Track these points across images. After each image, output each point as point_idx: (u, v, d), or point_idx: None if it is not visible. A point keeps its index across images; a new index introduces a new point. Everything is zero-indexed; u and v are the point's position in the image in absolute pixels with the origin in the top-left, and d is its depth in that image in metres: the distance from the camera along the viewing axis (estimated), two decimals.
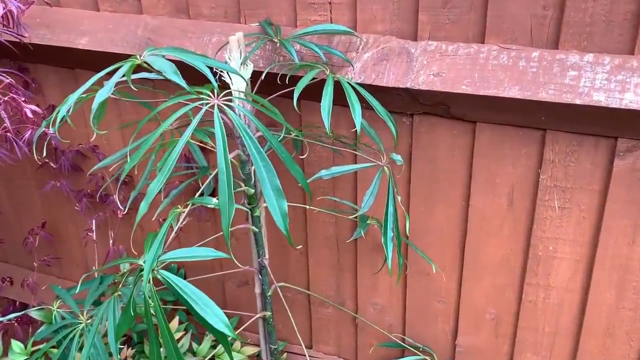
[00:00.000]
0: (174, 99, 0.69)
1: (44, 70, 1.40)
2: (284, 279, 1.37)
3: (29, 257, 1.70)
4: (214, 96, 0.68)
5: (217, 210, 1.37)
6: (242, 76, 0.73)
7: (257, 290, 1.19)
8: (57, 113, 0.77)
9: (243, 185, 1.00)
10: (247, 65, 0.85)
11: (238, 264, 1.04)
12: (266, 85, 1.02)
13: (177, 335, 1.29)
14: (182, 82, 0.64)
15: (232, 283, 1.46)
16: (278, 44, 0.99)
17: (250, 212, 1.05)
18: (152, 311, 0.78)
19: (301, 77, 0.88)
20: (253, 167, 0.98)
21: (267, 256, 1.14)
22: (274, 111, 0.70)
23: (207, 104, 0.67)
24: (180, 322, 1.35)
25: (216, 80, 0.70)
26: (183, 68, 0.74)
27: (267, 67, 0.98)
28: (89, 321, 1.16)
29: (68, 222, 1.61)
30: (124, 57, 1.18)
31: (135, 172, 1.42)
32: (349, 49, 1.04)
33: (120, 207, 1.43)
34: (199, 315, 0.76)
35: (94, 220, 1.47)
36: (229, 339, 1.11)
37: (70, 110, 0.80)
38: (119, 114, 1.36)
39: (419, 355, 1.28)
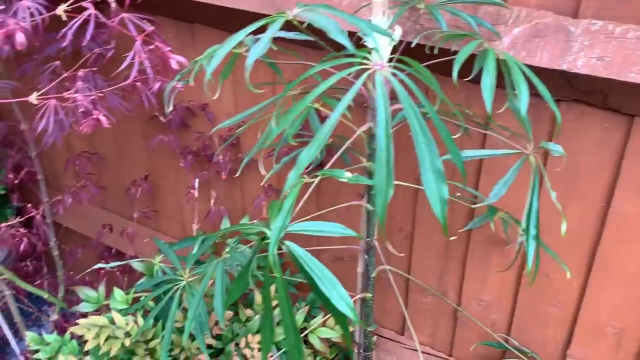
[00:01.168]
0: (329, 62, 0.64)
1: (162, 22, 1.39)
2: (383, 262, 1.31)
3: (128, 207, 1.73)
4: (371, 61, 0.62)
5: (322, 185, 1.32)
6: (395, 40, 0.67)
7: (360, 269, 1.14)
8: (195, 66, 0.73)
9: (365, 160, 0.94)
10: (394, 31, 0.78)
11: (358, 246, 0.99)
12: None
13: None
14: (349, 44, 0.58)
15: (326, 257, 1.42)
16: (422, 11, 0.91)
17: (367, 190, 0.99)
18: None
19: (447, 49, 0.80)
20: None
21: (376, 236, 1.08)
22: (433, 82, 0.62)
23: (365, 69, 0.61)
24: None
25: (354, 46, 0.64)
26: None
27: (416, 37, 0.90)
28: (190, 279, 1.15)
29: (168, 177, 1.62)
30: (246, 14, 1.14)
31: (242, 135, 1.39)
32: (496, 21, 0.94)
33: (225, 169, 1.41)
34: (321, 293, 0.72)
35: (197, 179, 1.47)
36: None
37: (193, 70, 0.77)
38: (234, 73, 1.33)
39: (523, 359, 1.19)
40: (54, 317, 1.60)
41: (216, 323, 1.22)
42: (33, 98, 0.82)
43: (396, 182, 0.93)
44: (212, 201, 1.48)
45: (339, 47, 0.72)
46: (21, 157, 1.49)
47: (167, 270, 1.25)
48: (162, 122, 1.45)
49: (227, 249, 1.02)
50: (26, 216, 1.26)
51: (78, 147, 1.73)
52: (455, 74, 0.66)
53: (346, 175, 0.73)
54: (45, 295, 1.49)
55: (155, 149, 1.58)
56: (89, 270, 1.36)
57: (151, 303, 1.28)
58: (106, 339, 1.11)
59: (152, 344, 1.17)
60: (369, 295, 1.15)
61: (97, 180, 1.66)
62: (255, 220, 1.41)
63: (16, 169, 1.49)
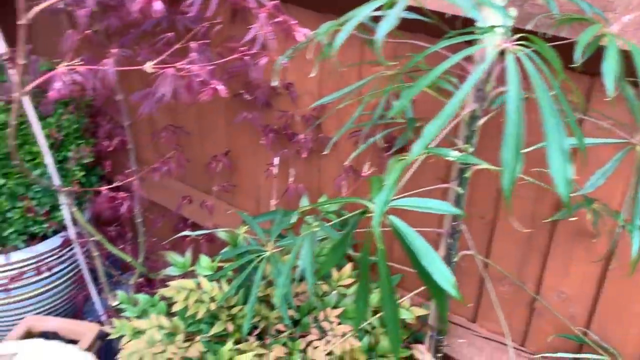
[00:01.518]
0: (453, 39, 0.65)
1: None
2: (460, 247, 1.32)
3: (206, 180, 1.80)
4: (496, 39, 0.62)
5: None
6: (512, 21, 0.67)
7: (441, 253, 1.15)
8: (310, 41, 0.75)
9: (461, 143, 0.95)
10: (509, 10, 0.78)
11: (442, 230, 1.00)
12: None
13: (347, 281, 1.29)
14: (480, 18, 0.59)
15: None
16: None
17: (460, 172, 0.99)
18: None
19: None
20: (478, 124, 0.92)
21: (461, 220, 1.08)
22: (556, 61, 0.62)
23: (492, 46, 0.61)
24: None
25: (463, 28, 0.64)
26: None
27: (530, 22, 0.89)
28: (274, 251, 1.19)
29: (246, 154, 1.67)
30: None
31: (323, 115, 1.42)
32: (605, 8, 0.92)
33: (306, 147, 1.44)
34: (423, 269, 0.73)
35: (277, 157, 1.51)
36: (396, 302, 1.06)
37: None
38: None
39: (602, 355, 1.18)
40: (133, 280, 1.68)
41: (295, 295, 1.26)
42: (148, 67, 0.87)
43: (484, 167, 0.93)
44: (291, 179, 1.51)
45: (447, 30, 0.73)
46: (111, 127, 1.56)
47: (251, 241, 1.29)
48: (246, 99, 1.50)
49: (316, 223, 1.05)
50: (119, 183, 1.33)
51: (160, 122, 1.80)
52: (578, 54, 0.65)
53: (453, 154, 0.74)
54: (129, 259, 1.57)
55: (236, 126, 1.63)
56: (176, 236, 1.43)
57: (229, 273, 1.33)
58: (193, 302, 1.17)
59: (233, 311, 1.22)
60: None
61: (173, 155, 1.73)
62: (317, 203, 1.43)
63: (106, 139, 1.57)
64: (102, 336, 1.67)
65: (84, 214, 1.78)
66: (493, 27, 0.64)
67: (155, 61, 0.87)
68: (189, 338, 1.15)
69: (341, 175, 1.38)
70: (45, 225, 1.72)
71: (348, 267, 1.30)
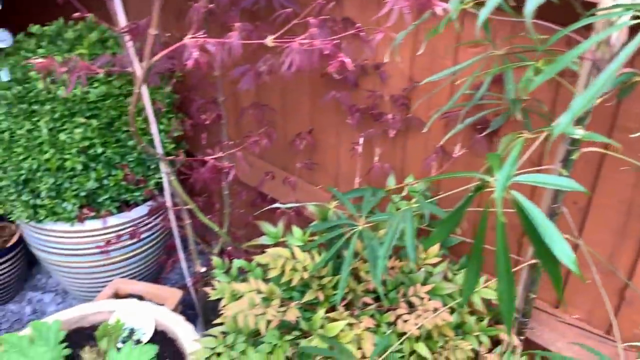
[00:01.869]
0: (585, 20, 0.65)
1: None
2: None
3: (285, 157, 1.85)
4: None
5: (496, 148, 1.34)
6: None
7: None
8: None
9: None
10: None
11: (549, 207, 1.01)
12: None
13: (433, 260, 1.31)
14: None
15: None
16: None
17: (567, 154, 1.00)
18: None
19: None
20: (593, 105, 0.91)
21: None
22: None
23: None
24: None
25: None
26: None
27: None
28: (366, 226, 1.23)
29: (328, 133, 1.71)
30: None
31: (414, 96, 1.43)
32: None
33: (394, 127, 1.47)
34: (543, 244, 0.75)
35: (362, 136, 1.54)
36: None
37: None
38: (415, 33, 1.37)
39: None
40: (216, 250, 1.76)
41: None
42: (269, 41, 0.91)
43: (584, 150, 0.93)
44: (376, 158, 1.54)
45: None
46: (203, 102, 1.63)
47: (341, 215, 1.33)
48: (333, 79, 1.53)
49: (415, 199, 1.08)
50: (221, 154, 1.39)
51: (243, 101, 1.86)
52: None
53: (579, 132, 0.75)
54: (216, 229, 1.64)
55: (319, 104, 1.67)
56: (267, 208, 1.48)
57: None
58: (289, 270, 1.22)
59: (323, 281, 1.27)
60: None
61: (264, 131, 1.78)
62: (419, 180, 1.45)
63: (200, 113, 1.63)
64: (182, 302, 1.76)
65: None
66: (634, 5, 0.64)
67: (274, 35, 0.92)
68: (283, 304, 1.20)
69: (431, 156, 1.40)
70: (136, 194, 1.81)
71: (436, 247, 1.32)
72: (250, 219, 1.72)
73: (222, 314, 1.21)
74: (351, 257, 1.18)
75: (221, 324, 1.24)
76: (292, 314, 1.15)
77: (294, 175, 1.83)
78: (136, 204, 1.86)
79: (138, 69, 1.27)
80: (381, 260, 1.02)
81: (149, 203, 1.89)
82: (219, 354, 1.15)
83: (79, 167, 1.63)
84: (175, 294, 1.77)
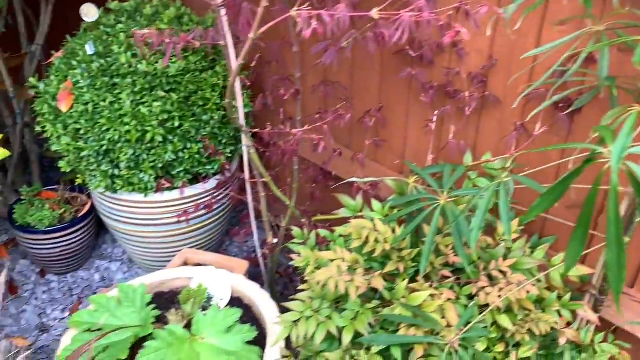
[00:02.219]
0: None
1: None
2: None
3: (349, 135, 1.87)
4: None
5: (578, 127, 1.34)
6: None
7: (622, 212, 1.16)
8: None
9: None
10: None
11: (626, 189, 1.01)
12: None
13: (513, 236, 1.33)
14: None
15: (561, 202, 1.45)
16: None
17: None
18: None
19: None
20: None
21: None
22: None
23: None
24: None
25: None
26: None
27: None
28: (448, 200, 1.25)
29: (397, 110, 1.73)
30: None
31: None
32: None
33: (470, 105, 1.48)
34: None
35: (435, 114, 1.55)
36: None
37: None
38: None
39: None
40: (284, 222, 1.80)
41: (464, 244, 1.32)
42: (374, 13, 0.93)
43: None
44: (451, 136, 1.56)
45: None
46: (277, 79, 1.66)
47: (421, 190, 1.36)
48: (407, 56, 1.54)
49: (505, 174, 1.10)
50: (308, 127, 1.42)
51: (311, 80, 1.89)
52: None
53: None
54: (287, 202, 1.68)
55: (389, 82, 1.68)
56: (345, 182, 1.52)
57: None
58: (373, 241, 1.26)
59: (403, 253, 1.30)
60: (627, 239, 1.18)
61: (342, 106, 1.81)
62: (497, 158, 1.46)
63: (274, 89, 1.67)
64: (248, 272, 1.82)
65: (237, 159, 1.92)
66: None
67: (379, 8, 0.94)
68: (366, 273, 1.24)
69: (510, 134, 1.40)
70: (208, 167, 1.87)
71: (515, 222, 1.34)
72: (318, 195, 1.75)
73: (298, 283, 1.25)
74: (435, 230, 1.21)
75: (301, 291, 1.29)
76: (379, 282, 1.19)
77: (357, 151, 1.86)
78: (206, 177, 1.92)
79: (232, 53, 1.30)
80: (475, 231, 1.05)
81: (218, 177, 1.95)
82: (307, 318, 1.19)
83: (159, 139, 1.69)
84: (243, 265, 1.83)
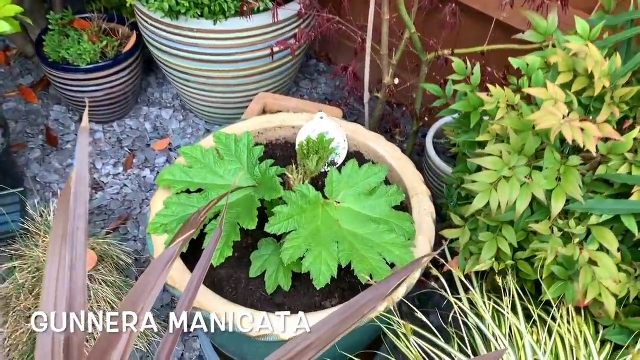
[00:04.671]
0: None
1: None
2: None
3: None
4: None
5: None
6: None
7: None
8: None
9: None
10: None
11: None
12: None
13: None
14: None
15: None
16: None
17: None
18: None
19: None
20: None
21: None
22: None
23: None
24: None
25: None
26: None
27: None
28: None
29: None
30: None
31: None
32: None
33: None
34: None
35: None
36: None
37: None
38: None
39: None
40: (395, 58, 1.43)
41: None
42: None
43: None
44: None
45: None
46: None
47: None
48: None
49: None
50: None
51: None
52: None
53: None
54: (413, 30, 1.29)
55: None
56: None
57: None
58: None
59: (618, 93, 0.95)
60: None
61: None
62: None
63: None
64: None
65: None
66: None
67: None
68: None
69: None
70: None
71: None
72: (449, 22, 1.33)
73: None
74: None
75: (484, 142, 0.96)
76: (610, 131, 0.86)
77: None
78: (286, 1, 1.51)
79: None
80: None
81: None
82: (507, 179, 0.88)
83: None
84: (337, 113, 1.49)
